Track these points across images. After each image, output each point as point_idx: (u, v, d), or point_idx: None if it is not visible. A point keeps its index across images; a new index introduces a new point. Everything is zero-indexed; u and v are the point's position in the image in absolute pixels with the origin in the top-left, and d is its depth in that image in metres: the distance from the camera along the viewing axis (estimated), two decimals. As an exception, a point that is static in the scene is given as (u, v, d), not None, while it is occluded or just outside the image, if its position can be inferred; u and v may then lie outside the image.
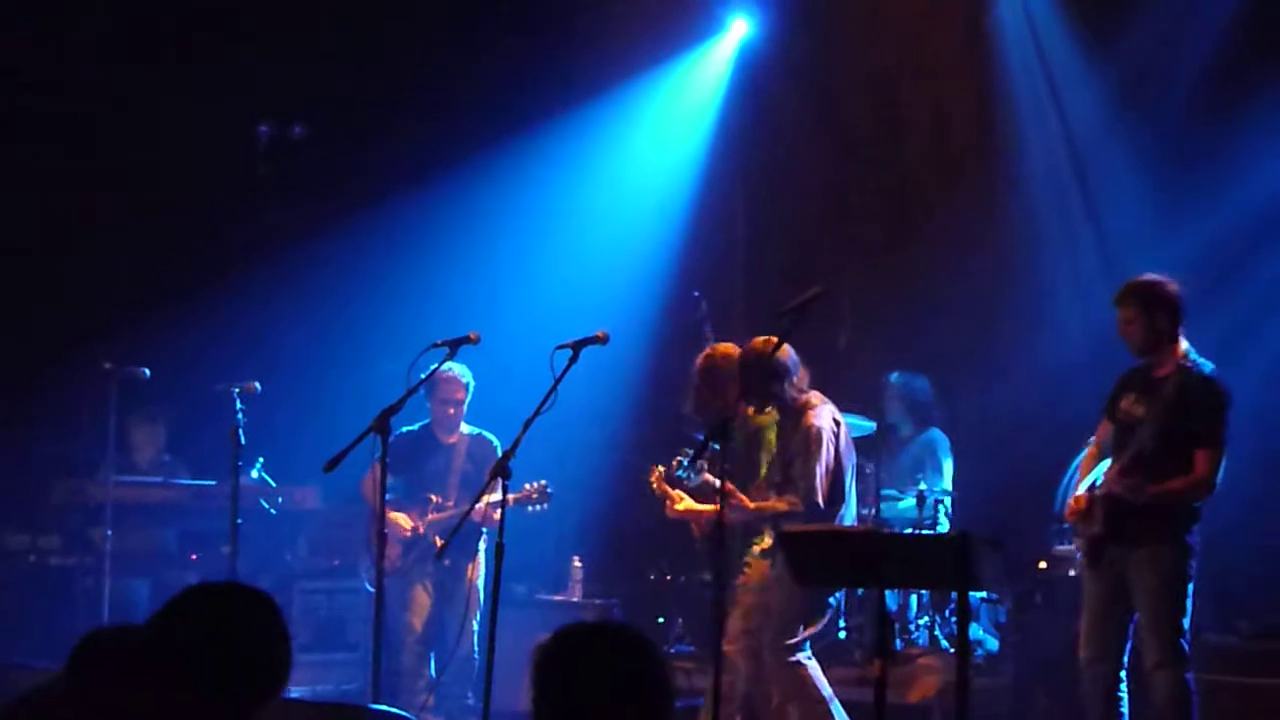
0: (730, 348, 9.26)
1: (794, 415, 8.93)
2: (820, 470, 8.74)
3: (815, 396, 9.00)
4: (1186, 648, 8.18)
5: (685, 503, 9.20)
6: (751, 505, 8.83)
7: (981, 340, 12.41)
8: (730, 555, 9.13)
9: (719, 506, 8.01)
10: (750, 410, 9.16)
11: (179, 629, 3.86)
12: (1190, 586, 8.23)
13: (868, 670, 9.43)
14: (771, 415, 9.17)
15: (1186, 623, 8.21)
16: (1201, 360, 8.36)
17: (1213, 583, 10.94)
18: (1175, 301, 8.36)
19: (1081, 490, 8.51)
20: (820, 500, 8.71)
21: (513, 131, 13.62)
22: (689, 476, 9.23)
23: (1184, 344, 8.37)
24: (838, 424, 8.93)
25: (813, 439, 8.77)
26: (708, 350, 9.30)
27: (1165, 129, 11.96)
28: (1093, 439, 8.76)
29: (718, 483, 8.62)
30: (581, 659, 3.85)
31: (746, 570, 9.03)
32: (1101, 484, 8.30)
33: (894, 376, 12.05)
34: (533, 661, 3.88)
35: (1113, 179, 12.36)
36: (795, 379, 8.92)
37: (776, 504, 8.82)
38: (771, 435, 9.17)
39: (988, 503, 11.49)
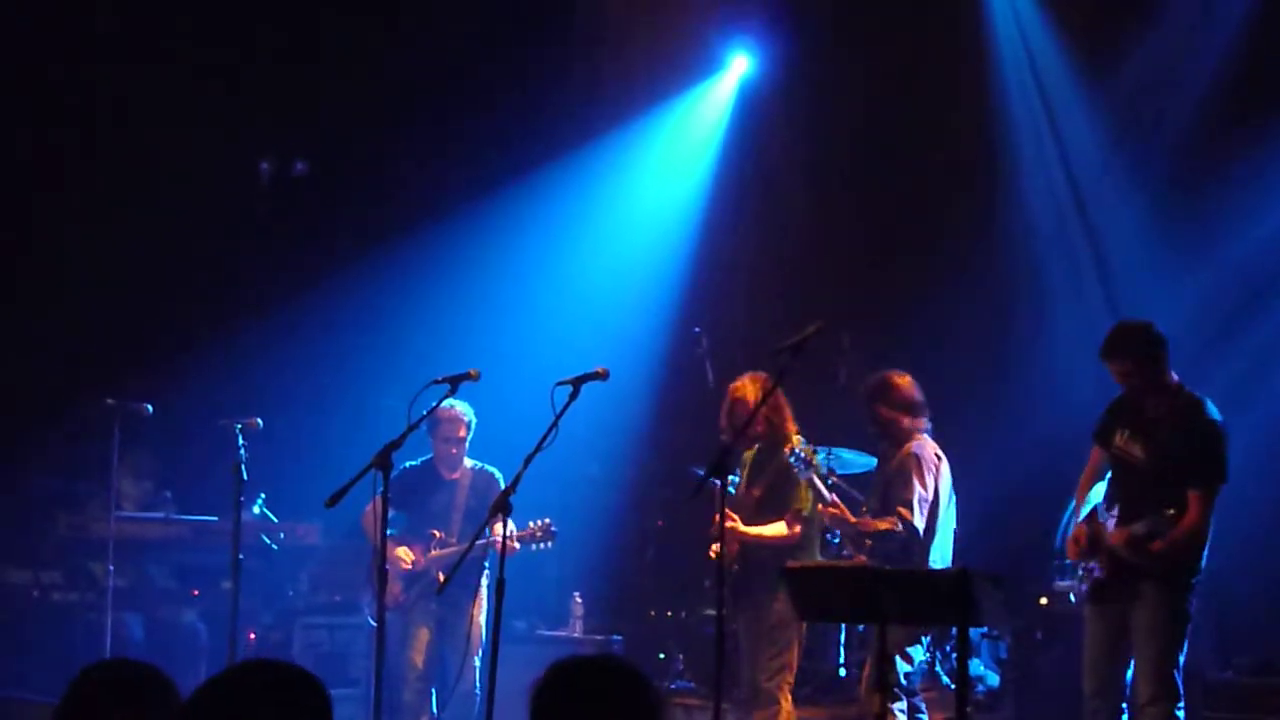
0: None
1: (897, 444, 9.05)
2: (918, 494, 8.90)
3: (920, 433, 9.20)
4: (1180, 683, 8.23)
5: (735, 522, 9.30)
6: (853, 520, 8.94)
7: (983, 375, 12.41)
8: (752, 592, 9.22)
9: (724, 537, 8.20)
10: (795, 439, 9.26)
11: (222, 704, 3.83)
12: (1189, 625, 8.29)
13: (868, 706, 9.44)
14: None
15: (1182, 659, 8.26)
16: (1195, 394, 8.39)
17: (1213, 620, 10.97)
18: (1164, 339, 8.38)
19: (1081, 519, 8.55)
20: (919, 524, 8.81)
21: (515, 169, 13.68)
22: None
23: (1174, 376, 8.41)
24: (939, 458, 9.08)
25: (911, 465, 8.96)
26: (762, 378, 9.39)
27: (1166, 159, 12.00)
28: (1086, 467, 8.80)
29: (829, 494, 8.84)
30: (577, 692, 3.88)
31: None
32: (1107, 538, 8.30)
33: None
34: (530, 694, 3.90)
35: (1114, 210, 12.40)
36: (917, 416, 9.17)
37: (877, 523, 8.95)
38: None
39: (988, 538, 11.49)
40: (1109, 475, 8.62)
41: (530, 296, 13.71)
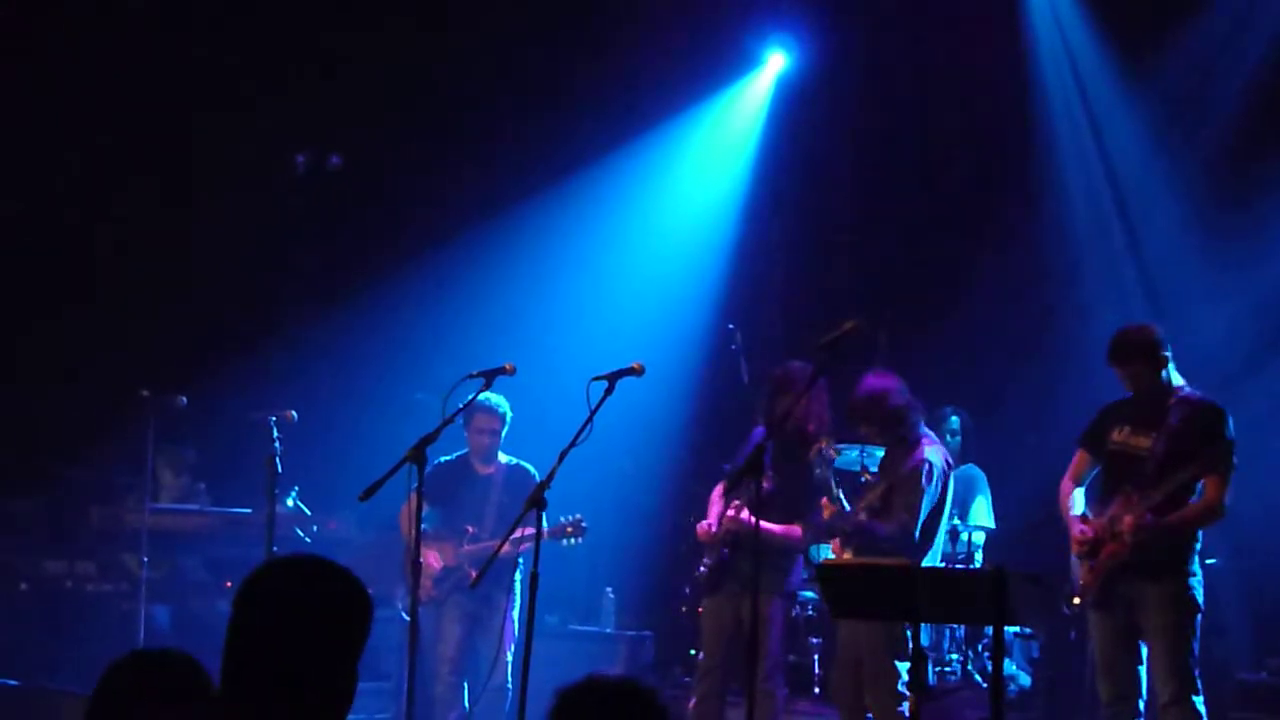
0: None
1: (907, 448, 9.03)
2: (924, 504, 8.86)
3: (930, 434, 9.22)
4: (1197, 675, 8.24)
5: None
6: (856, 521, 8.93)
7: (1022, 375, 12.38)
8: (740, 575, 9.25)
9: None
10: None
11: (262, 604, 3.88)
12: (1199, 615, 8.29)
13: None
14: None
15: (1196, 648, 8.27)
16: (1195, 389, 8.44)
17: (1247, 621, 10.93)
18: (1166, 341, 8.43)
19: (1074, 518, 8.53)
20: (918, 533, 8.81)
21: (551, 167, 13.69)
22: None
23: (1176, 375, 8.44)
24: (949, 464, 9.07)
25: (924, 471, 8.93)
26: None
27: (1209, 161, 11.95)
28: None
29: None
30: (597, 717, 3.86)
31: None
32: (1130, 519, 8.26)
33: (954, 414, 11.89)
34: (550, 709, 3.89)
35: (1156, 211, 12.35)
36: (915, 412, 9.14)
37: (877, 525, 8.91)
38: None
39: (1025, 538, 11.46)
40: (1090, 480, 8.69)
41: (567, 292, 13.71)
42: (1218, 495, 8.21)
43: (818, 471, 9.16)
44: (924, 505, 8.88)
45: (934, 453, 9.04)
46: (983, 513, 11.81)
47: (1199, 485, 8.25)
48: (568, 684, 3.90)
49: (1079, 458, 8.75)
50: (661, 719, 3.86)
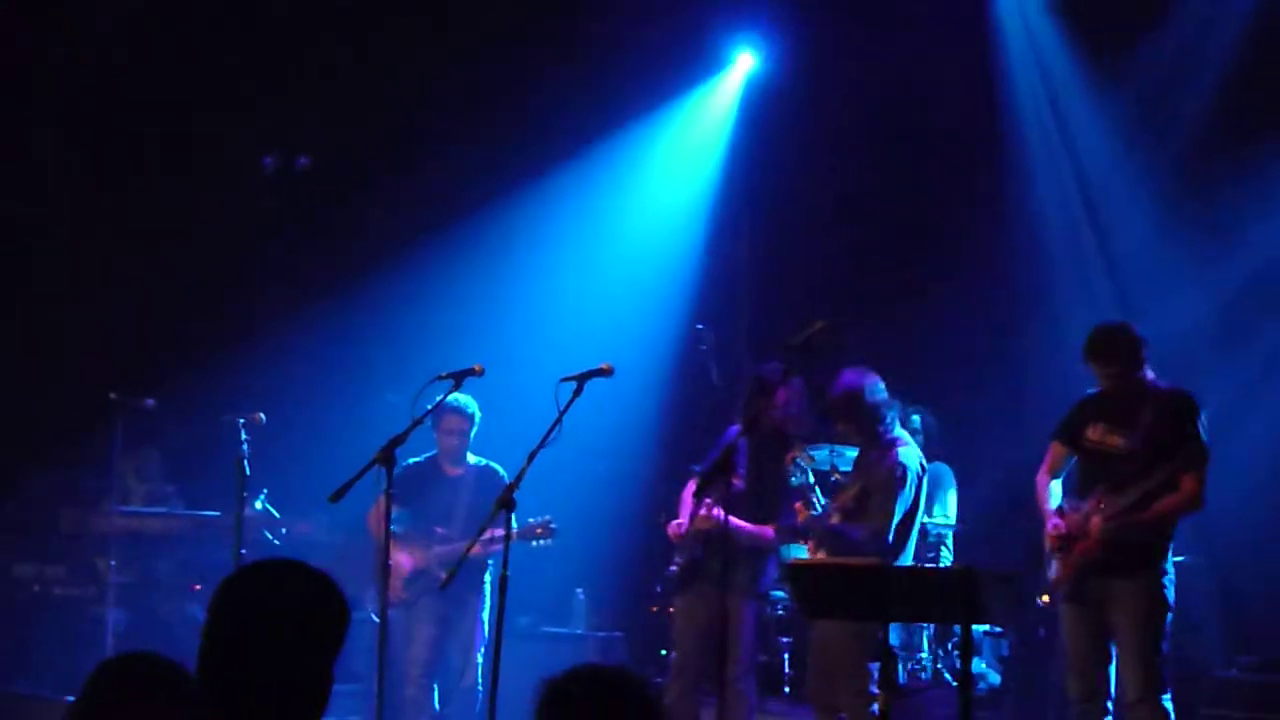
0: None
1: (882, 449, 9.00)
2: (898, 508, 8.87)
3: (905, 435, 9.17)
4: (1165, 673, 8.27)
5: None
6: (830, 524, 8.95)
7: (990, 375, 12.40)
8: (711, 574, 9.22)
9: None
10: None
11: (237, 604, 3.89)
12: (1170, 615, 8.32)
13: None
14: None
15: (1165, 647, 8.29)
16: (1167, 382, 8.46)
17: (1220, 618, 10.97)
18: (1144, 340, 8.45)
19: (1050, 511, 8.53)
20: (891, 536, 8.82)
21: (520, 168, 13.66)
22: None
23: (1148, 370, 8.45)
24: (924, 467, 9.05)
25: (899, 476, 8.93)
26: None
27: (1178, 161, 11.99)
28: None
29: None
30: (586, 706, 3.83)
31: None
32: (1099, 520, 8.28)
33: (918, 414, 11.89)
34: (537, 698, 3.86)
35: (1125, 211, 12.38)
36: (891, 410, 9.13)
37: (851, 528, 8.92)
38: None
39: (994, 537, 11.48)
40: (1067, 473, 8.71)
41: (535, 293, 13.69)
42: (1196, 487, 8.23)
43: (793, 479, 9.16)
44: (898, 509, 8.88)
45: (909, 455, 9.04)
46: (949, 509, 11.83)
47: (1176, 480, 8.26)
48: (553, 674, 3.87)
49: (1054, 450, 8.74)
50: (650, 706, 3.84)
